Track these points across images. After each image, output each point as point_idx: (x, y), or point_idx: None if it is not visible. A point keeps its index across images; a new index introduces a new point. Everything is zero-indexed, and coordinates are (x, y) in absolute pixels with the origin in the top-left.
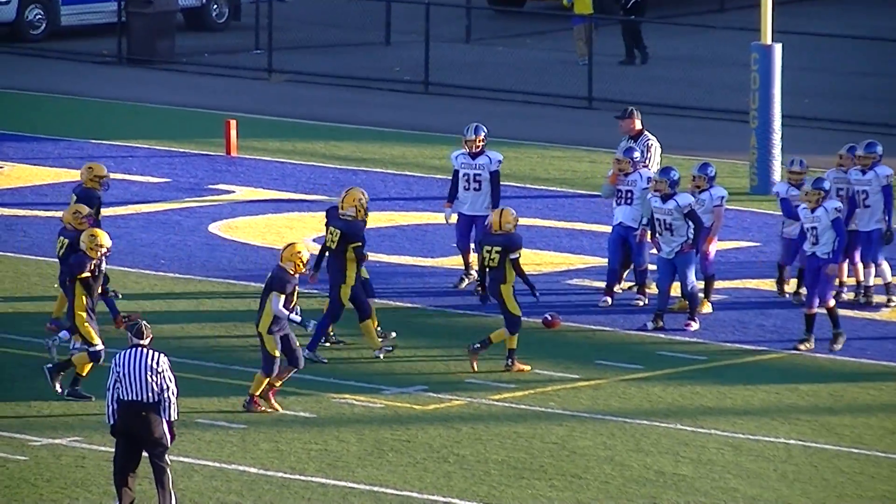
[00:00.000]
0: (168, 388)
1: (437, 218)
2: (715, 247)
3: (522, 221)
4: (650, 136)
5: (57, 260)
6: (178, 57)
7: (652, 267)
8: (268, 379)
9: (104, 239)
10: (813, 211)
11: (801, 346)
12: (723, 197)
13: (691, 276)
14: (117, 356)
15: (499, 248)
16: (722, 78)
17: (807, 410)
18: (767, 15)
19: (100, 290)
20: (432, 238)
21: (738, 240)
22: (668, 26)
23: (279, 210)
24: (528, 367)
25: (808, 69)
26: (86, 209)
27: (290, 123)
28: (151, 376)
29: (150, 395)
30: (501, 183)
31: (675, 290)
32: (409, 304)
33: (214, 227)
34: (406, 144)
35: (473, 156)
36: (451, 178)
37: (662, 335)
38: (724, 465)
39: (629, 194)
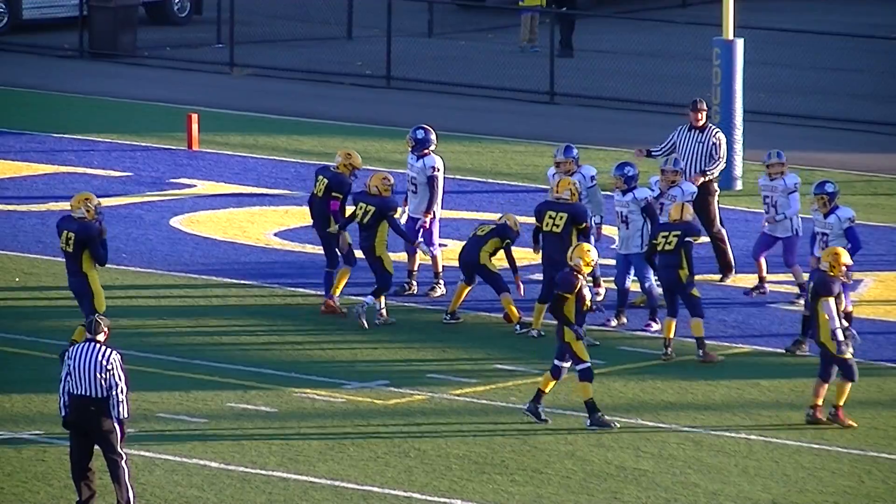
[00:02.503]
0: (117, 385)
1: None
2: None
3: (483, 216)
4: (717, 129)
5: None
6: (139, 51)
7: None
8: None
9: (592, 255)
10: (826, 217)
11: (798, 349)
12: (693, 193)
13: (649, 273)
14: (70, 349)
15: (677, 233)
16: (684, 73)
17: (768, 406)
18: (729, 10)
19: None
20: (394, 233)
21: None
22: (631, 21)
23: (241, 204)
24: (720, 358)
25: (771, 64)
26: (392, 178)
27: (252, 118)
28: (100, 373)
29: (98, 391)
30: (464, 178)
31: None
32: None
33: (176, 222)
34: (368, 139)
35: (417, 157)
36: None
37: (624, 330)
38: (685, 460)
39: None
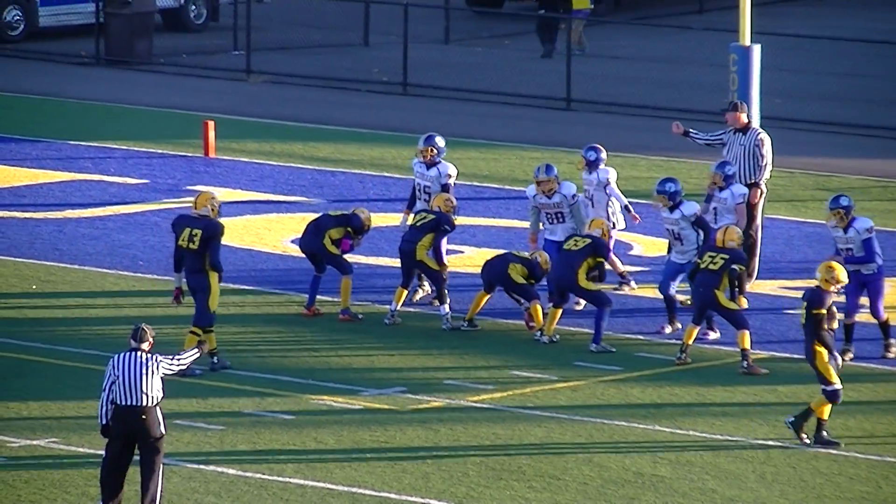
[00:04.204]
0: (172, 368)
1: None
2: None
3: (501, 223)
4: (760, 130)
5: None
6: (156, 58)
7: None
8: None
9: (842, 274)
10: (845, 231)
11: (845, 357)
12: (744, 194)
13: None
14: (115, 359)
15: (725, 257)
16: (701, 79)
17: (785, 412)
18: (746, 16)
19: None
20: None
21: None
22: (647, 27)
23: (257, 211)
24: (766, 371)
25: (787, 70)
26: (455, 200)
27: (268, 124)
28: (149, 380)
29: (148, 399)
30: (481, 185)
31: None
32: (388, 306)
33: None
34: (384, 145)
35: (428, 166)
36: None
37: (641, 336)
38: (703, 466)
39: (559, 215)
